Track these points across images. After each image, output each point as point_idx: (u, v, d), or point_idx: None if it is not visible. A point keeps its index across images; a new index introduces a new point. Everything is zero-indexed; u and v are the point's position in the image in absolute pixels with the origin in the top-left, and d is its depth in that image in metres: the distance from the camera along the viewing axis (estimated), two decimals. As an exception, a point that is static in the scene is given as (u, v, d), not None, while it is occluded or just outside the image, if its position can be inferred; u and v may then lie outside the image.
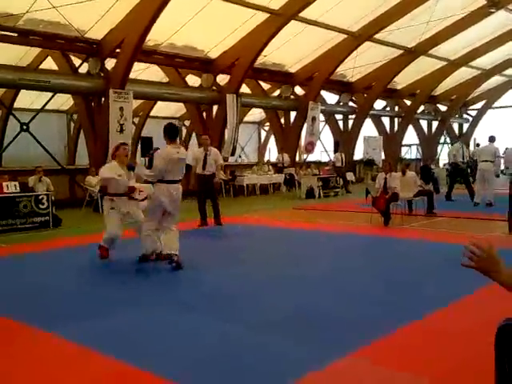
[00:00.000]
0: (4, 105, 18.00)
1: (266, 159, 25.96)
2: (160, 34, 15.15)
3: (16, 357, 3.77)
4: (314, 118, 20.81)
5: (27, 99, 19.00)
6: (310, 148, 21.54)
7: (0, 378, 3.46)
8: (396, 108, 26.72)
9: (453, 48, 21.78)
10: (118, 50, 14.37)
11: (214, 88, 17.79)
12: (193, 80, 18.60)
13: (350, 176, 20.23)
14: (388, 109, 26.47)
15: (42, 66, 16.05)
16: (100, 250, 7.06)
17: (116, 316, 4.64)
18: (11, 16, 12.58)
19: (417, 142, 29.91)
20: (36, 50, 15.63)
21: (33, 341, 4.13)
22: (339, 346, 3.82)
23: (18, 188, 10.27)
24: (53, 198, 10.76)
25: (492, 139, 13.11)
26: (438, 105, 29.02)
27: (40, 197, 10.39)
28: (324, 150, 25.86)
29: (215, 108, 18.18)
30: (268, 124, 26.91)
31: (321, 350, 3.78)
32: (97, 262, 6.92)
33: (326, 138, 25.39)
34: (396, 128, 27.35)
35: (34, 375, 3.50)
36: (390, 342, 3.94)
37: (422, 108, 27.61)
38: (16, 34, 13.41)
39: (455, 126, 31.97)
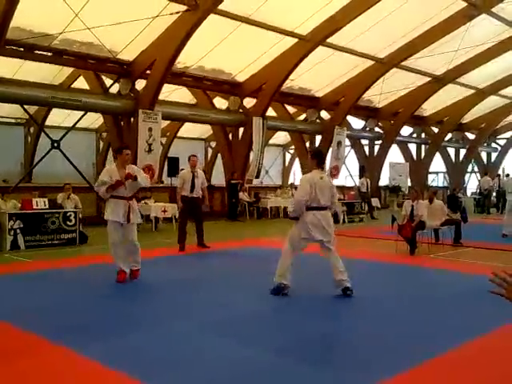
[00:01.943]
0: (36, 122, 18.45)
1: (290, 182, 25.95)
2: (189, 57, 15.40)
3: (36, 371, 3.78)
4: (339, 143, 20.79)
5: (58, 117, 19.45)
6: (334, 172, 21.45)
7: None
8: (423, 135, 26.53)
9: (482, 76, 21.61)
10: (148, 72, 14.64)
11: (241, 111, 17.95)
12: (220, 102, 18.80)
13: (375, 202, 20.03)
14: (415, 135, 26.29)
15: (74, 85, 16.43)
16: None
17: (137, 336, 4.62)
18: (47, 36, 12.96)
19: (444, 169, 29.57)
20: (69, 70, 16.01)
21: (54, 357, 4.13)
22: (361, 377, 3.73)
23: (47, 204, 10.46)
24: (80, 215, 10.90)
25: None
26: (466, 133, 28.70)
27: (68, 214, 10.55)
28: (349, 174, 25.78)
29: (241, 130, 18.31)
30: (293, 147, 26.95)
31: (341, 380, 3.71)
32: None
33: (352, 162, 25.35)
34: (423, 155, 27.11)
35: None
36: (415, 374, 3.82)
37: (449, 135, 27.34)
38: (50, 54, 13.77)
39: (483, 155, 31.53)
